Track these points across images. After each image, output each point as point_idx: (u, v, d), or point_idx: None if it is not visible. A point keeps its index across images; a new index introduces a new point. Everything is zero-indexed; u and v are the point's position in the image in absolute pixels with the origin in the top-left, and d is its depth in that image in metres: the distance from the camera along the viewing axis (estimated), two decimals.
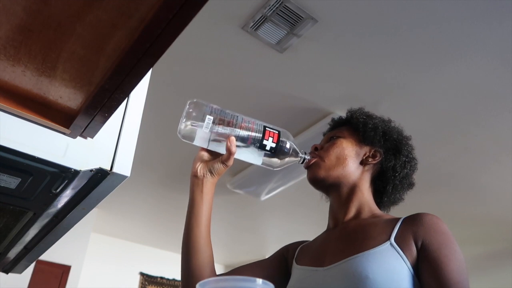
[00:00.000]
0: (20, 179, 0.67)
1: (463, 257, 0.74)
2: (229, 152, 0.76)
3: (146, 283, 5.06)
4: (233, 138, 0.75)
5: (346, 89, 2.54)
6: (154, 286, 5.11)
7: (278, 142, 0.77)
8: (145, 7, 0.39)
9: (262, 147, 0.76)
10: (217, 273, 0.83)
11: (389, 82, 2.46)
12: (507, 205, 3.77)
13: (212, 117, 0.74)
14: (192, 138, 0.77)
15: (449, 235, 0.76)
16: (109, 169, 0.67)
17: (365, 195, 0.89)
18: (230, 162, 0.78)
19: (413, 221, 0.78)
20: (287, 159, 0.81)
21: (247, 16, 2.08)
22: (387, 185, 0.91)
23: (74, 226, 0.87)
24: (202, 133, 0.76)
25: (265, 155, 0.79)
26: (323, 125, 2.76)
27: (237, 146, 0.76)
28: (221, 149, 0.78)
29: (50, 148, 0.62)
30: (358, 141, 0.92)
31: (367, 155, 0.91)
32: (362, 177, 0.90)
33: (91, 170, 0.65)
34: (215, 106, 0.77)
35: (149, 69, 0.46)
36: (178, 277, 5.26)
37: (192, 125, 0.75)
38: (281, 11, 2.03)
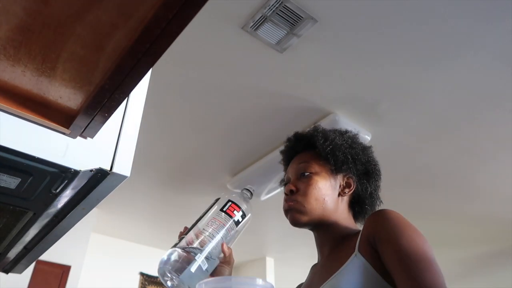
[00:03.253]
0: (20, 179, 0.67)
1: (421, 236, 0.73)
2: (228, 255, 0.79)
3: (146, 283, 5.06)
4: (224, 246, 0.79)
5: (346, 89, 2.54)
6: (154, 286, 5.11)
7: (239, 208, 0.83)
8: (145, 7, 0.39)
9: (238, 223, 0.83)
10: None
11: (389, 82, 2.46)
12: (507, 205, 3.77)
13: (200, 255, 0.76)
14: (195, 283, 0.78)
15: (397, 219, 0.74)
16: (109, 169, 0.67)
17: (345, 224, 0.90)
18: (232, 259, 0.81)
19: (365, 224, 0.80)
20: (249, 206, 0.87)
21: (247, 16, 2.08)
22: (366, 210, 0.93)
23: (74, 226, 0.87)
24: (206, 272, 0.77)
25: (241, 222, 0.85)
26: (323, 125, 2.75)
27: (227, 242, 0.81)
28: (217, 262, 0.80)
29: (50, 148, 0.62)
30: (331, 172, 0.91)
31: (342, 186, 0.91)
32: (340, 209, 0.90)
33: (91, 170, 0.65)
34: (181, 249, 0.77)
35: (149, 69, 0.46)
36: None
37: (196, 280, 0.75)
38: (281, 11, 2.03)
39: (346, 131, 0.98)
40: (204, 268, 0.75)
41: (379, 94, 2.56)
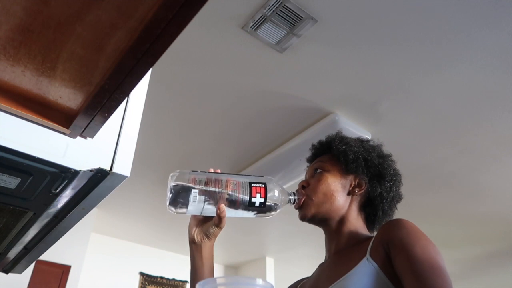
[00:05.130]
0: (20, 179, 0.67)
1: (435, 247, 0.74)
2: (220, 218, 0.79)
3: (146, 283, 5.06)
4: (221, 205, 0.78)
5: (346, 89, 2.54)
6: (154, 286, 5.11)
7: (265, 195, 0.80)
8: (144, 7, 0.39)
9: (251, 205, 0.79)
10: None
11: (389, 82, 2.46)
12: (507, 205, 3.77)
13: (197, 190, 0.77)
14: (183, 212, 0.79)
15: (412, 229, 0.76)
16: (109, 169, 0.67)
17: (354, 224, 0.91)
18: (223, 224, 0.81)
19: (380, 230, 0.81)
20: (278, 206, 0.83)
21: (247, 16, 2.08)
22: (377, 212, 0.93)
23: (74, 226, 0.87)
24: (192, 206, 0.78)
25: (257, 208, 0.81)
26: (323, 125, 2.76)
27: (227, 208, 0.79)
28: (213, 213, 0.80)
29: (50, 148, 0.62)
30: (342, 172, 0.93)
31: (352, 185, 0.93)
32: (350, 207, 0.91)
33: (91, 170, 0.65)
34: (197, 175, 0.79)
35: (149, 69, 0.46)
36: (178, 277, 5.26)
37: (180, 200, 0.77)
38: (281, 11, 2.03)
39: (368, 140, 1.01)
40: (190, 200, 0.76)
41: (379, 94, 2.56)
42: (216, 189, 0.78)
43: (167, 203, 0.77)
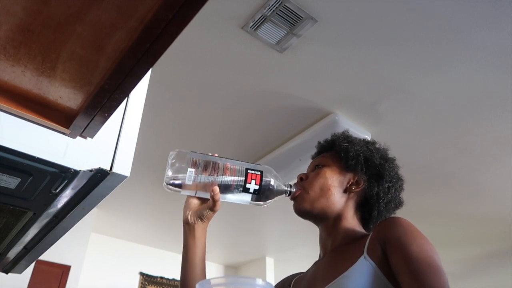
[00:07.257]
0: (20, 179, 0.67)
1: (431, 246, 0.74)
2: (214, 200, 0.80)
3: (146, 283, 5.06)
4: (216, 188, 0.78)
5: (346, 89, 2.54)
6: (154, 286, 5.11)
7: (261, 183, 0.80)
8: (144, 7, 0.39)
9: (245, 190, 0.80)
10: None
11: (389, 82, 2.46)
12: (507, 205, 3.77)
13: (193, 169, 0.78)
14: (178, 191, 0.80)
15: (409, 227, 0.76)
16: (109, 169, 0.67)
17: (350, 222, 0.90)
18: (217, 208, 0.81)
19: (377, 228, 0.81)
20: (273, 195, 0.84)
21: (247, 16, 2.08)
22: (372, 211, 0.93)
23: (74, 226, 0.87)
24: (187, 186, 0.78)
25: (252, 195, 0.81)
26: (323, 125, 2.76)
27: (222, 192, 0.80)
28: (208, 195, 0.80)
29: (50, 148, 0.62)
30: (341, 169, 0.93)
31: (350, 182, 0.92)
32: (346, 205, 0.91)
33: (91, 170, 0.65)
34: (196, 156, 0.80)
35: (148, 69, 0.46)
36: (178, 277, 5.25)
37: (176, 178, 0.78)
38: (281, 11, 2.03)
39: (374, 142, 1.01)
40: (186, 180, 0.77)
41: (379, 94, 2.56)
42: (213, 172, 0.79)
43: (164, 182, 0.78)
